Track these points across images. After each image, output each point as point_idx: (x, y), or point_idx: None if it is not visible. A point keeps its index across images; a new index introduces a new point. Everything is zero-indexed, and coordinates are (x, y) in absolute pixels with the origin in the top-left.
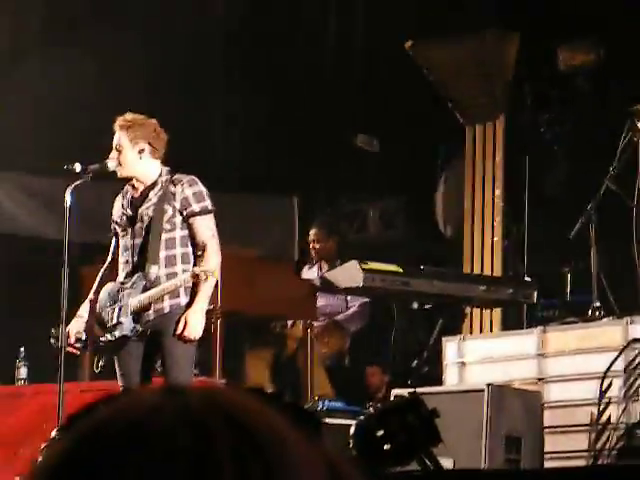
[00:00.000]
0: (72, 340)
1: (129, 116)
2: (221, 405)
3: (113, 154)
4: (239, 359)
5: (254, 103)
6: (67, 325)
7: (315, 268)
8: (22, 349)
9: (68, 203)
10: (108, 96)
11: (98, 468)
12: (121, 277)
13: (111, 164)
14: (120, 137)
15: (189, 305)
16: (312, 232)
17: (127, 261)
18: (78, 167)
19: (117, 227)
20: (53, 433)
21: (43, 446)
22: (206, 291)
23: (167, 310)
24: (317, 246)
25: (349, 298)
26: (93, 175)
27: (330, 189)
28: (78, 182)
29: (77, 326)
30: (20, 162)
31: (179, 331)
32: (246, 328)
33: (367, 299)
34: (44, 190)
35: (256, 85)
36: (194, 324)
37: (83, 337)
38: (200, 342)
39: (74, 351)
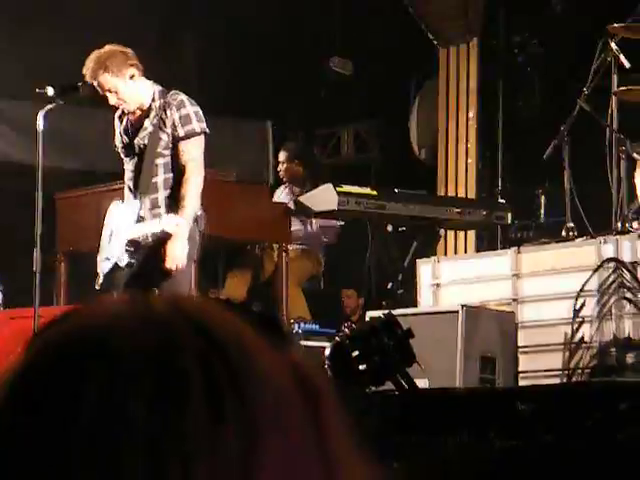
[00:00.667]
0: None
1: (94, 56)
2: (187, 312)
3: (112, 98)
4: (215, 282)
5: (232, 25)
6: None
7: (285, 189)
8: None
9: (40, 127)
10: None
11: (57, 377)
12: (126, 201)
13: (113, 102)
14: (105, 79)
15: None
16: (280, 155)
17: (129, 188)
18: (51, 91)
19: (120, 152)
20: None
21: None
22: (186, 219)
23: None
24: (282, 167)
25: (320, 222)
26: (66, 99)
27: (304, 113)
28: (51, 106)
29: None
30: None
31: (164, 265)
32: (222, 251)
33: (337, 222)
34: (16, 114)
35: (235, 6)
36: (176, 254)
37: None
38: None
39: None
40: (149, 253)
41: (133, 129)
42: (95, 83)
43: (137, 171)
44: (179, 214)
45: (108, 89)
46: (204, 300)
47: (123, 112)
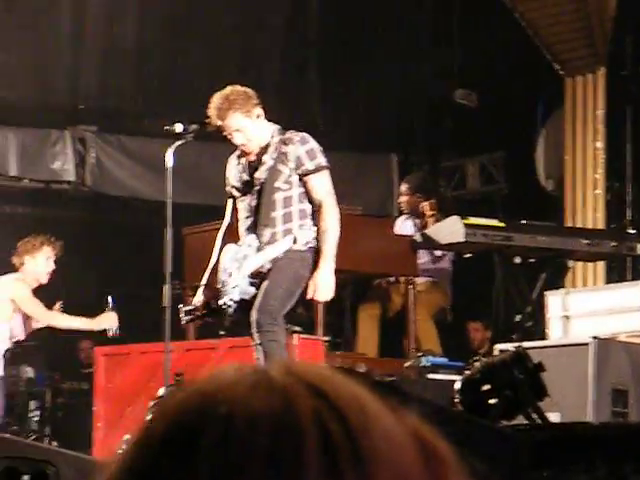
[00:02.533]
0: (202, 311)
1: (221, 96)
2: (304, 376)
3: (238, 138)
4: (342, 316)
5: (354, 59)
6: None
7: (405, 221)
8: (110, 298)
9: (170, 164)
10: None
11: (172, 442)
12: (242, 240)
13: (240, 141)
14: (234, 119)
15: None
16: (401, 187)
17: (247, 224)
18: (179, 127)
19: (234, 191)
20: (160, 391)
21: (151, 404)
22: (330, 250)
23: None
24: (404, 200)
25: (437, 253)
26: (194, 135)
27: (429, 145)
28: (179, 142)
29: (201, 296)
30: (121, 124)
31: (309, 295)
32: (350, 285)
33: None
34: (144, 151)
35: (357, 39)
36: (324, 286)
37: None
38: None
39: (199, 321)
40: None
41: (253, 165)
42: (222, 123)
43: (256, 206)
44: (323, 248)
45: (237, 129)
46: (321, 366)
47: (243, 151)
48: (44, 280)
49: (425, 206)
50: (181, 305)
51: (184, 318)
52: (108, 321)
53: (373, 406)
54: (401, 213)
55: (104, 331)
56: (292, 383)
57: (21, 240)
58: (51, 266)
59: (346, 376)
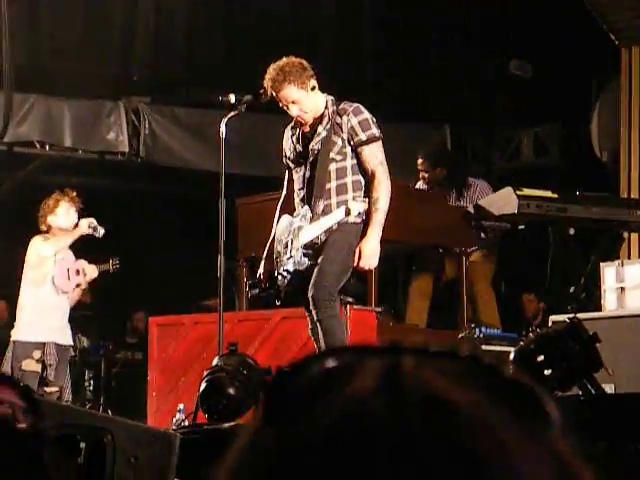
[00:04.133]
0: (266, 283)
1: (276, 68)
2: (438, 397)
3: (293, 110)
4: (395, 286)
5: (407, 29)
6: (220, 255)
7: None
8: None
9: (223, 134)
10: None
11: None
12: (297, 211)
13: (295, 113)
14: (289, 91)
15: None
16: (419, 161)
17: (301, 195)
18: (232, 98)
19: (289, 162)
20: (214, 361)
21: (205, 374)
22: (379, 219)
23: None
24: (425, 175)
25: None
26: (248, 107)
27: (483, 116)
28: (232, 113)
29: (263, 268)
30: (174, 95)
31: (355, 263)
32: (403, 255)
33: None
34: (197, 122)
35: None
36: (369, 254)
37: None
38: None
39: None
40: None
41: (307, 136)
42: (278, 95)
43: (310, 178)
44: (372, 217)
45: (292, 101)
46: (460, 377)
47: (298, 122)
48: (77, 234)
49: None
50: (247, 279)
51: (251, 292)
52: (85, 223)
53: (507, 435)
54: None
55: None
56: (425, 407)
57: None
58: (74, 216)
59: (482, 380)
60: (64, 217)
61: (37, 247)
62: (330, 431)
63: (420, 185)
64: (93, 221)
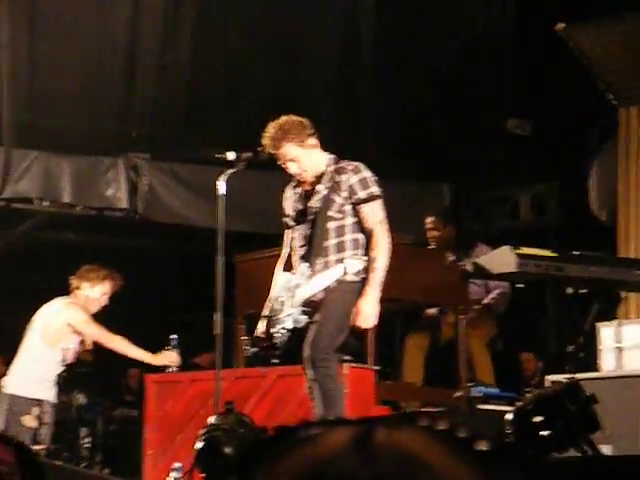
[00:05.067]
0: (266, 342)
1: (275, 126)
2: (411, 456)
3: (292, 168)
4: (392, 345)
5: (405, 89)
6: (218, 311)
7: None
8: (174, 336)
9: (222, 192)
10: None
11: None
12: (295, 269)
13: (294, 171)
14: (288, 149)
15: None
16: (429, 220)
17: (301, 253)
18: (231, 155)
19: (289, 220)
20: (210, 419)
21: (201, 432)
22: (378, 278)
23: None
24: (435, 234)
25: (490, 284)
26: (247, 164)
27: (481, 175)
28: (231, 170)
29: (263, 327)
30: (173, 151)
31: (352, 322)
32: (400, 314)
33: (506, 284)
34: (196, 179)
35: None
36: (367, 313)
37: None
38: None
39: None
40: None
41: (308, 195)
42: (277, 152)
43: (310, 236)
44: (370, 275)
45: (291, 159)
46: (430, 437)
47: (299, 181)
48: (93, 311)
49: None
50: (244, 337)
51: (250, 350)
52: (169, 359)
53: None
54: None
55: (162, 367)
56: (393, 464)
57: (82, 267)
58: (105, 301)
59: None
60: (96, 297)
61: (76, 319)
62: None
63: (430, 244)
64: (176, 363)
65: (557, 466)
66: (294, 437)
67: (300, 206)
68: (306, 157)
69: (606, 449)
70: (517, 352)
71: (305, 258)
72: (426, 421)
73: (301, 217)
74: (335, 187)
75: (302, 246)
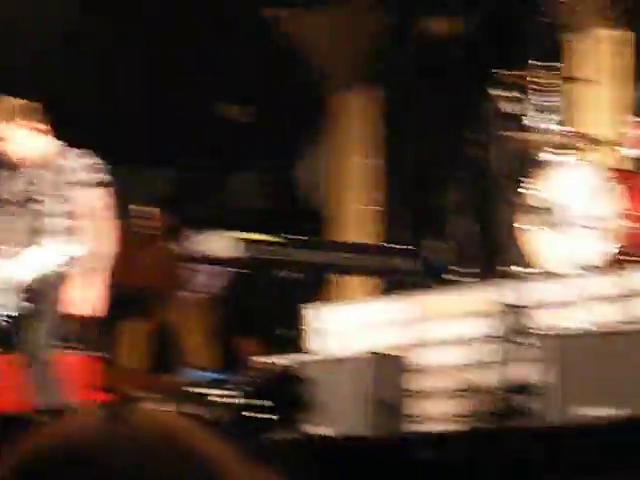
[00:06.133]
0: None
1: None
2: (169, 436)
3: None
4: (111, 329)
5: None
6: None
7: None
8: None
9: None
10: None
11: None
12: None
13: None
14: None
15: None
16: (146, 208)
17: (16, 238)
18: None
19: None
20: None
21: None
22: (97, 264)
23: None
24: (153, 221)
25: (210, 270)
26: None
27: (194, 160)
28: None
29: None
30: None
31: (70, 310)
32: (120, 301)
33: (225, 269)
34: None
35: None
36: (87, 300)
37: None
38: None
39: None
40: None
41: (22, 177)
42: None
43: (23, 220)
44: (89, 263)
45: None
46: (185, 418)
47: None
48: None
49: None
50: None
51: None
52: None
53: (228, 461)
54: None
55: None
56: (157, 443)
57: None
58: None
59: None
60: None
61: None
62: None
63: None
64: None
65: (274, 447)
66: (23, 426)
67: (14, 189)
68: (23, 139)
69: (324, 430)
70: (236, 336)
71: (20, 243)
72: (153, 405)
73: (13, 201)
74: (56, 171)
75: (14, 231)
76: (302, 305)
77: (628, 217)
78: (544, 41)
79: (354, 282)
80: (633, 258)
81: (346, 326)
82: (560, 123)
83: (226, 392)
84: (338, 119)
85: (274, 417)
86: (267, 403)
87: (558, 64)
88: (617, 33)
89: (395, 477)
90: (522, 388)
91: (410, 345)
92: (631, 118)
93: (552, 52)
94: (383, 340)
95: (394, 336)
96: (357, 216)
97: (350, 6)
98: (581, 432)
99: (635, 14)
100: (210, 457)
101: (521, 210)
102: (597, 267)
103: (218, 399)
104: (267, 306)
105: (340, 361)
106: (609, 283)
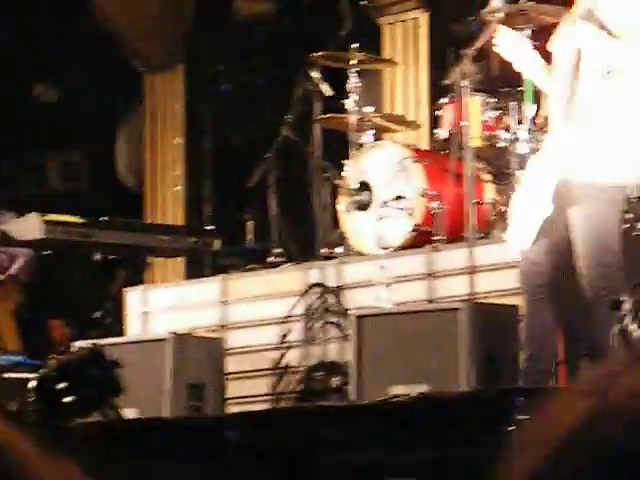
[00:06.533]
0: None
1: None
2: None
3: None
4: None
5: None
6: None
7: None
8: None
9: None
10: None
11: None
12: None
13: None
14: None
15: None
16: None
17: None
18: None
19: None
20: None
21: None
22: None
23: None
24: None
25: (15, 252)
26: None
27: (9, 141)
28: None
29: None
30: None
31: None
32: None
33: (32, 252)
34: None
35: None
36: None
37: None
38: None
39: None
40: None
41: None
42: None
43: None
44: None
45: None
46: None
47: None
48: None
49: None
50: None
51: None
52: None
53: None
54: None
55: None
56: None
57: None
58: None
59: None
60: None
61: None
62: None
63: None
64: None
65: (80, 431)
66: None
67: None
68: None
69: (131, 412)
70: (46, 319)
71: None
72: None
73: None
74: None
75: None
76: (120, 287)
77: (427, 196)
78: (357, 23)
79: (171, 264)
80: (433, 237)
81: (163, 308)
82: (371, 104)
83: (28, 376)
84: (154, 98)
85: (78, 400)
86: (71, 386)
87: (364, 45)
88: (415, 14)
89: (197, 459)
90: (331, 367)
91: (220, 326)
92: (436, 99)
93: (364, 34)
94: (202, 321)
95: (207, 317)
96: (173, 197)
97: None
98: (387, 411)
99: None
100: (5, 446)
101: (336, 191)
102: (400, 247)
103: (20, 383)
104: (81, 289)
105: (144, 343)
106: (412, 263)
